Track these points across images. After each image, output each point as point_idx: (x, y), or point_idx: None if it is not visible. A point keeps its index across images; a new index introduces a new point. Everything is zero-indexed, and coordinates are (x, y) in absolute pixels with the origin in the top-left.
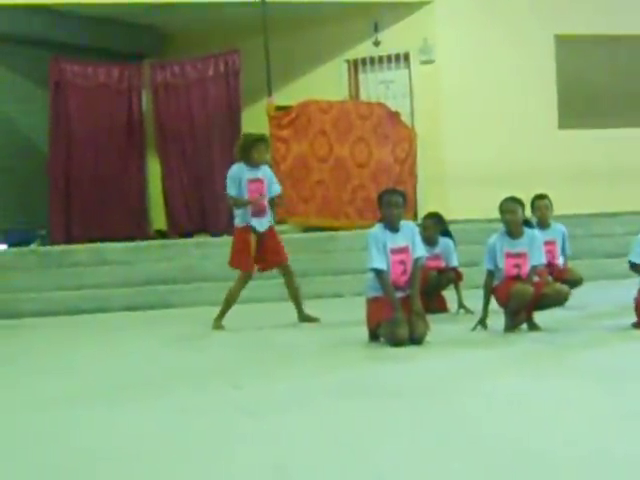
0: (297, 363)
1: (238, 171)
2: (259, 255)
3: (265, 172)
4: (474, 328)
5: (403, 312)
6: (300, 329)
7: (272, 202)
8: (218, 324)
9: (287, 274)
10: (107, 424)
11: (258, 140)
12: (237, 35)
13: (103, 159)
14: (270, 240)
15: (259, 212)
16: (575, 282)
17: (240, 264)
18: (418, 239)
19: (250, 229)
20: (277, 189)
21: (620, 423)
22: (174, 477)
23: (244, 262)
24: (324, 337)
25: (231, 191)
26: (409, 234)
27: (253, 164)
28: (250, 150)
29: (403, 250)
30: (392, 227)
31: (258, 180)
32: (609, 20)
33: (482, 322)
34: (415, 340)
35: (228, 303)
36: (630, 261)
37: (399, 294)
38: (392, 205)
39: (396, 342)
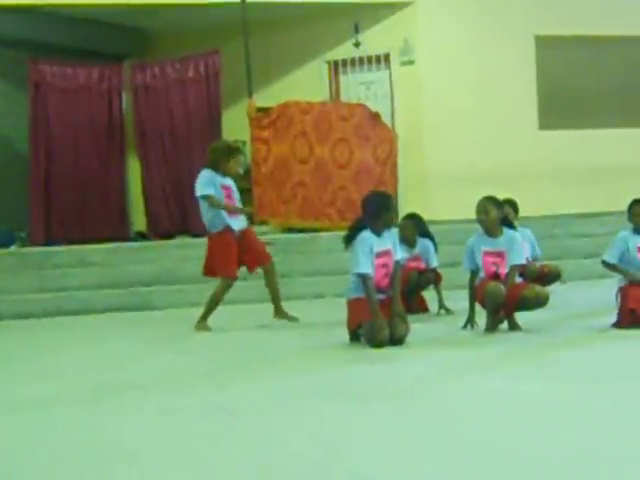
0: (279, 364)
1: (211, 176)
2: (242, 257)
3: (231, 181)
4: (464, 326)
5: (384, 314)
6: (282, 330)
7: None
8: (202, 325)
9: (270, 272)
10: (90, 426)
11: (238, 150)
12: (217, 36)
13: (83, 160)
14: (249, 239)
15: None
16: (555, 275)
17: (224, 270)
18: (398, 242)
19: (230, 231)
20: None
21: (600, 422)
22: (157, 478)
23: (230, 268)
24: (306, 338)
25: (209, 191)
26: (390, 237)
27: (225, 173)
28: (229, 159)
29: (386, 253)
30: (379, 231)
31: (228, 187)
32: (589, 21)
33: (470, 321)
34: (396, 341)
35: (211, 306)
36: (603, 260)
37: (381, 296)
38: (392, 209)
39: (377, 343)
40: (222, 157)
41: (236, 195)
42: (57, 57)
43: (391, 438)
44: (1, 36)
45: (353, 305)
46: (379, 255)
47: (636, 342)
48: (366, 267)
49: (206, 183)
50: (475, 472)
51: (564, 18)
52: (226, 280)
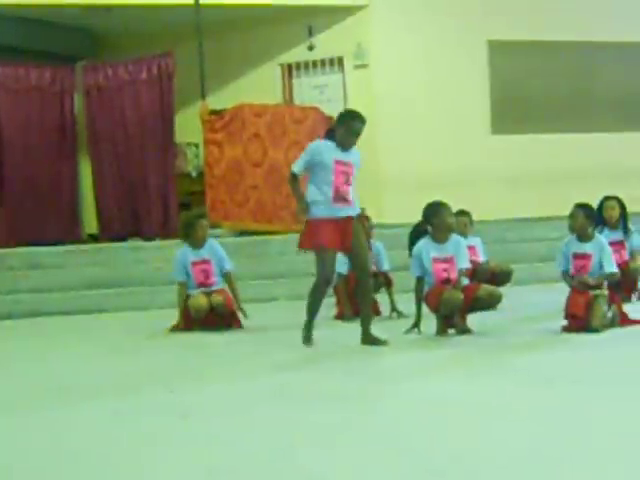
0: (230, 366)
1: (181, 256)
2: None
3: (211, 250)
4: (407, 331)
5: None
6: (233, 333)
7: (227, 279)
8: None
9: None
10: (40, 427)
11: (199, 217)
12: (171, 38)
13: (35, 162)
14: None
15: (204, 284)
16: (506, 274)
17: None
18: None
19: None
20: (227, 267)
21: (547, 425)
22: (106, 479)
23: None
24: (258, 340)
25: (178, 277)
26: None
27: (196, 242)
28: (193, 227)
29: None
30: None
31: (204, 261)
32: (541, 26)
33: (417, 326)
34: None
35: None
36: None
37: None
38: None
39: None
40: (188, 228)
41: (221, 263)
42: (8, 58)
43: (340, 440)
44: None
45: (310, 225)
46: None
47: (584, 346)
48: (298, 169)
49: (178, 265)
50: (422, 473)
51: (517, 23)
52: None
